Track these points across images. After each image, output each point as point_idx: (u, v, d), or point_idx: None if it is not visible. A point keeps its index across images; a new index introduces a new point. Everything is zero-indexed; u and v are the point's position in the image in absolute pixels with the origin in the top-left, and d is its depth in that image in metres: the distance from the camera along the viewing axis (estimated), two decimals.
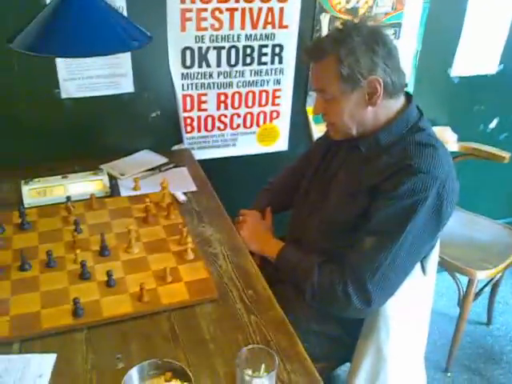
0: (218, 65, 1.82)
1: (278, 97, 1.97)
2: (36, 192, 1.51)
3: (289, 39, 1.87)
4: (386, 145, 1.23)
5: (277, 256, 1.35)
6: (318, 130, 2.02)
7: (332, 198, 1.32)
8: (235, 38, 1.79)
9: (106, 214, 1.46)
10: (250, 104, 1.95)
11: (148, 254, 1.30)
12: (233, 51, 1.82)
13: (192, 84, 1.83)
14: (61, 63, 1.64)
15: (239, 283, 1.23)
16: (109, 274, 1.17)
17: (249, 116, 1.97)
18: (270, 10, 1.78)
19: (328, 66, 1.19)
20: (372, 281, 1.15)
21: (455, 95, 2.27)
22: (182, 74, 1.80)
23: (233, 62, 1.84)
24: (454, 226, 2.04)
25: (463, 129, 2.24)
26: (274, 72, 1.91)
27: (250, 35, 1.81)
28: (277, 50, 1.87)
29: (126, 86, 1.74)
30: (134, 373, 0.91)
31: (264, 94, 1.95)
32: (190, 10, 1.69)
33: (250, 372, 0.93)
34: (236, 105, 1.93)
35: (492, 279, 2.12)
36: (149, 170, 1.71)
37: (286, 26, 1.83)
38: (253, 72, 1.89)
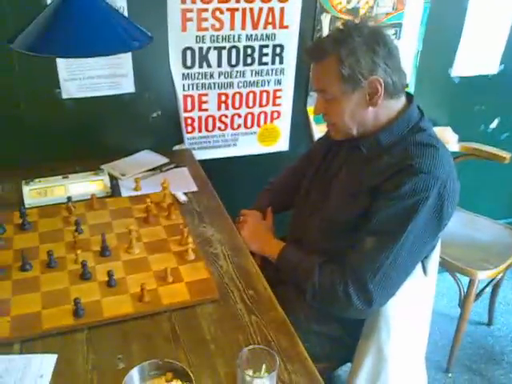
0: (219, 65, 1.82)
1: (279, 97, 1.97)
2: (37, 192, 1.51)
3: (289, 39, 1.86)
4: (387, 145, 1.23)
5: (277, 256, 1.35)
6: (318, 130, 2.02)
7: (333, 198, 1.31)
8: (236, 38, 1.79)
9: (106, 214, 1.46)
10: (250, 104, 1.95)
11: (149, 255, 1.30)
12: (233, 51, 1.82)
13: (193, 84, 1.83)
14: (61, 63, 1.64)
15: (240, 283, 1.23)
16: (109, 274, 1.18)
17: (249, 116, 1.97)
18: (271, 10, 1.78)
19: (329, 66, 1.19)
20: (373, 281, 1.15)
21: (456, 95, 2.26)
22: (183, 74, 1.80)
23: (233, 62, 1.84)
24: (455, 227, 2.03)
25: (464, 129, 2.23)
26: (274, 72, 1.91)
27: (251, 35, 1.81)
28: (277, 50, 1.87)
29: (127, 86, 1.75)
30: (134, 373, 0.91)
31: (265, 95, 1.95)
32: (191, 11, 1.69)
33: (250, 372, 0.93)
34: (237, 105, 1.93)
35: (493, 279, 2.12)
36: (149, 170, 1.71)
37: (286, 26, 1.83)
38: (253, 72, 1.89)
